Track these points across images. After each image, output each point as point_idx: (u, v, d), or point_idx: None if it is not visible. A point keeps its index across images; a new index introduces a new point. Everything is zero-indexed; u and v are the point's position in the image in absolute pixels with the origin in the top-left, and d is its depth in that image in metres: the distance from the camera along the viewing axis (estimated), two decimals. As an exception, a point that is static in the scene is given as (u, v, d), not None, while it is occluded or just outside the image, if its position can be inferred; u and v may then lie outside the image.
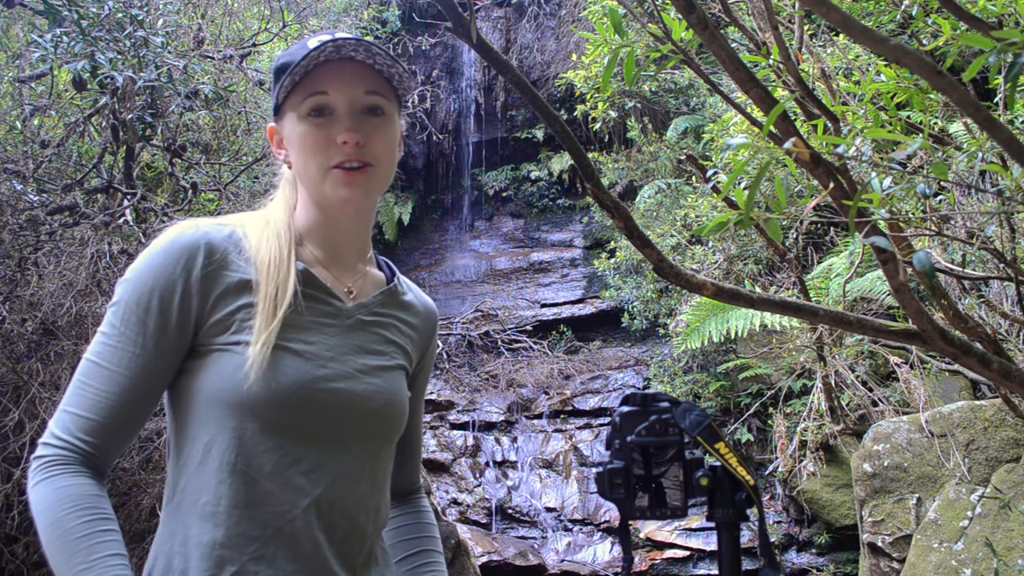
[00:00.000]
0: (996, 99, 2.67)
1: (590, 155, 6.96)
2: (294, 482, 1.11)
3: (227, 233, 1.16)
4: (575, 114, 7.86)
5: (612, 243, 9.22)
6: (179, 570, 1.08)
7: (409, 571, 1.36)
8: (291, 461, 1.11)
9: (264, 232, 1.18)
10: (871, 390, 6.09)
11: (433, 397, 9.43)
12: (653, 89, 9.35)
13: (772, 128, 1.30)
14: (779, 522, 6.75)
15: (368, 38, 1.17)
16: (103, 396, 1.09)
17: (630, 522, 1.11)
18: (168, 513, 1.14)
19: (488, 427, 9.06)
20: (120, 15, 3.68)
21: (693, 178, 8.43)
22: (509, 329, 10.71)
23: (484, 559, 6.92)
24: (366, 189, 1.18)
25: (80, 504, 1.05)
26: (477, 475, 8.37)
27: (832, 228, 7.04)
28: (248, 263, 1.15)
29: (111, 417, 1.09)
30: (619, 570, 6.98)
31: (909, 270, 1.68)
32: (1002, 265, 2.82)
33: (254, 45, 5.81)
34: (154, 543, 1.14)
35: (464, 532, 6.24)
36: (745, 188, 1.27)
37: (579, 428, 8.80)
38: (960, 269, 2.84)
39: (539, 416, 9.13)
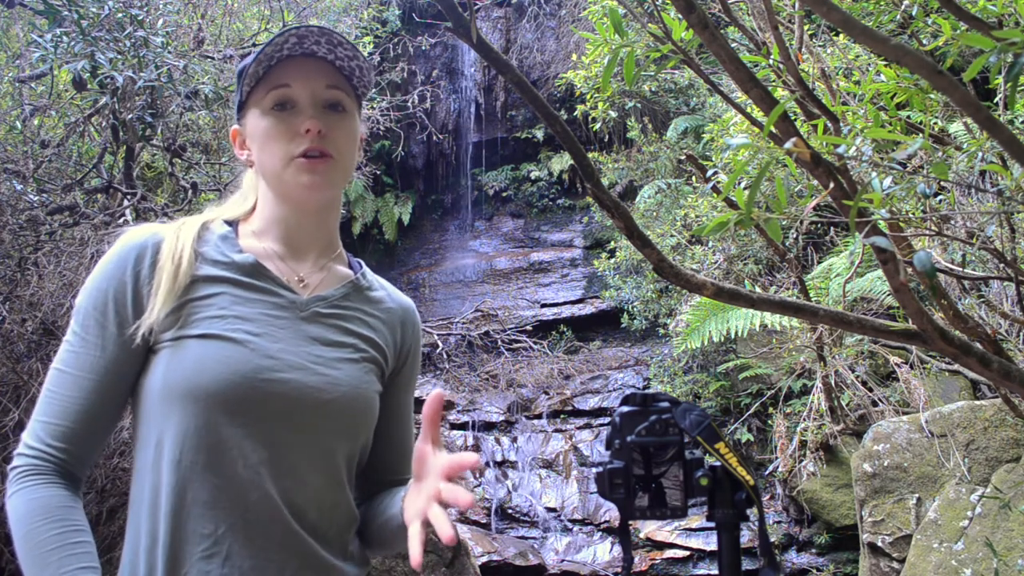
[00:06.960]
0: (996, 99, 2.67)
1: (590, 155, 6.95)
2: (241, 476, 1.09)
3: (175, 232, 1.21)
4: (575, 114, 7.87)
5: (612, 243, 9.21)
6: (142, 574, 1.08)
7: (387, 504, 1.25)
8: (237, 455, 1.09)
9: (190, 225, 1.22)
10: (871, 390, 6.08)
11: (433, 397, 9.42)
12: (653, 89, 9.34)
13: (772, 128, 1.30)
14: (779, 522, 6.75)
15: (319, 24, 1.22)
16: (71, 401, 1.11)
17: (630, 522, 1.11)
18: (129, 517, 1.14)
19: (488, 427, 9.06)
20: (120, 15, 3.68)
21: (693, 178, 8.43)
22: (509, 329, 10.71)
23: (484, 559, 6.92)
24: (327, 178, 1.19)
25: (52, 516, 1.06)
26: (477, 475, 8.36)
27: (832, 228, 7.03)
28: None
29: (80, 421, 1.11)
30: (619, 570, 6.97)
31: (909, 270, 1.68)
32: (1002, 265, 2.82)
33: (254, 45, 5.80)
34: (123, 548, 1.13)
35: (464, 532, 6.24)
36: (745, 188, 1.27)
37: (579, 428, 8.79)
38: (960, 269, 2.84)
39: (539, 416, 9.12)
